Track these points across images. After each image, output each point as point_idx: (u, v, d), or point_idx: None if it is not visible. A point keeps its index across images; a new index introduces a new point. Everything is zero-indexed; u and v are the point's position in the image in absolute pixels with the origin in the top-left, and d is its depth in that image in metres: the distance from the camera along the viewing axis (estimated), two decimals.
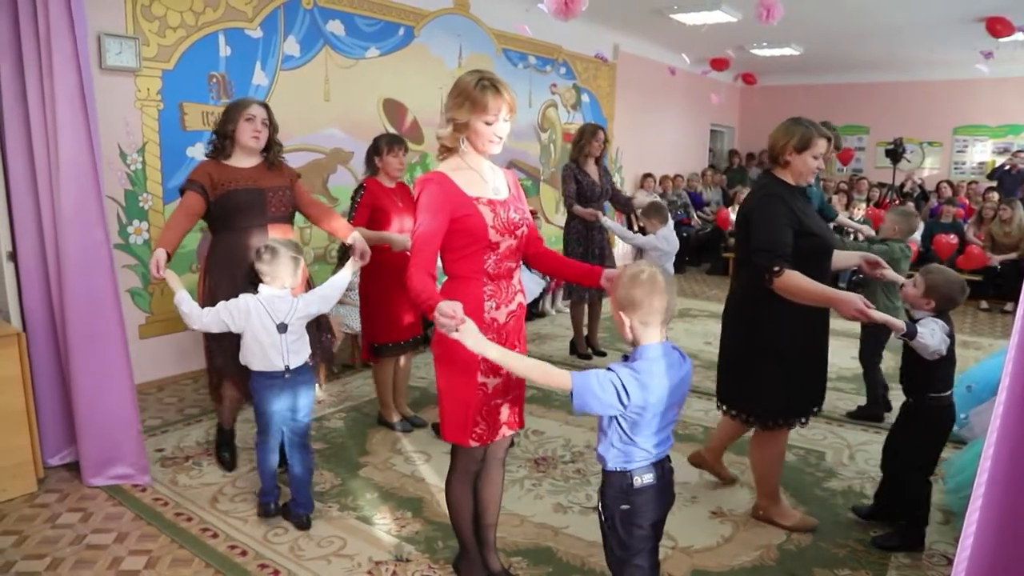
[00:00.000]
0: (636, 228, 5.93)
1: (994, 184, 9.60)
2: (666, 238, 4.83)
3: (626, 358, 1.87)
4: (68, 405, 3.23)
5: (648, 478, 1.91)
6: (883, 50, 9.32)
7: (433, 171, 2.13)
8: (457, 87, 2.09)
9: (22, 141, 3.08)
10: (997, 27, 7.01)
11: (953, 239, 7.73)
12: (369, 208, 3.59)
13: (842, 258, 2.88)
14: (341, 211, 5.35)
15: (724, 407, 2.88)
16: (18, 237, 3.14)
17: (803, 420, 2.77)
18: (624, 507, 1.90)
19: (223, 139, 3.00)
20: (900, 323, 2.40)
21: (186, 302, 2.68)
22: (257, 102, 3.04)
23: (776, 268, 2.44)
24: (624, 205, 5.44)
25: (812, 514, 2.97)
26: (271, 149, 3.08)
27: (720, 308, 2.81)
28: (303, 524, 2.83)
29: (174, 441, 3.68)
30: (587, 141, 4.95)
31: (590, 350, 5.38)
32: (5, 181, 3.10)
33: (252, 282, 2.77)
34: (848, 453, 3.61)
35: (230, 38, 4.78)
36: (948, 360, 2.57)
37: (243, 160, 3.03)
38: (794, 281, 2.42)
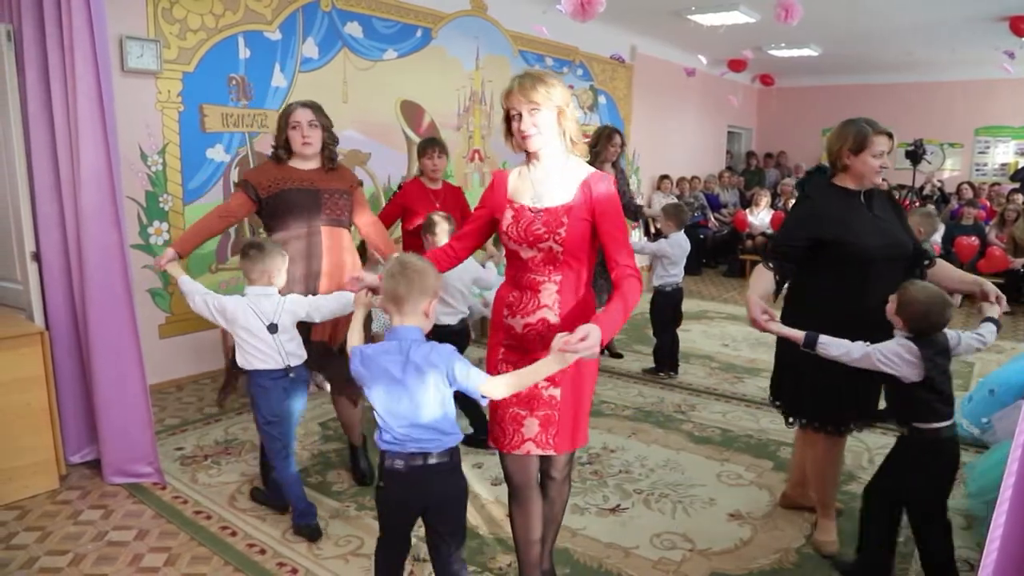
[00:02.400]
0: (653, 230, 5.88)
1: (1017, 185, 9.48)
2: (678, 244, 4.80)
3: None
4: (89, 403, 3.26)
5: (397, 463, 1.91)
6: (903, 50, 9.23)
7: (504, 169, 2.21)
8: None
9: (46, 143, 3.13)
10: (1021, 26, 6.92)
11: (974, 241, 7.64)
12: (399, 206, 3.84)
13: (947, 279, 2.60)
14: None
15: (773, 399, 2.83)
16: (42, 237, 3.18)
17: (830, 428, 2.63)
18: (379, 484, 1.97)
19: (279, 148, 2.99)
20: (797, 334, 2.34)
21: (187, 282, 2.77)
22: (302, 104, 2.97)
23: (766, 260, 2.59)
24: (634, 213, 5.32)
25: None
26: (326, 148, 3.02)
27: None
28: (316, 534, 2.77)
29: (193, 440, 3.71)
30: (603, 146, 4.85)
31: (606, 351, 5.37)
32: (30, 183, 3.15)
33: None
34: (867, 456, 3.58)
35: (249, 40, 4.82)
36: (927, 386, 2.24)
37: (301, 164, 3.00)
38: (754, 274, 2.61)
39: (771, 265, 2.59)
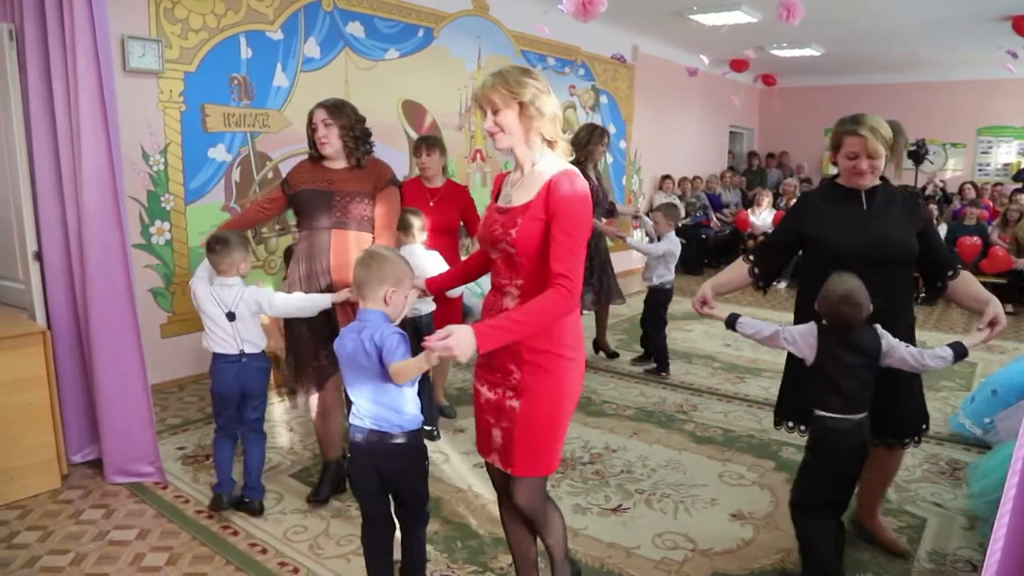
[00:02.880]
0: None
1: (1019, 186, 9.46)
2: (672, 240, 4.86)
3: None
4: (91, 403, 3.27)
5: (358, 436, 2.08)
6: (905, 50, 9.22)
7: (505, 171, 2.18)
8: None
9: (48, 143, 3.13)
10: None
11: (977, 242, 7.62)
12: None
13: (963, 294, 2.48)
14: None
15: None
16: (43, 237, 3.18)
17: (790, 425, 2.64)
18: (347, 455, 2.20)
19: (310, 148, 3.02)
20: (721, 315, 2.51)
21: (202, 267, 2.90)
22: (319, 104, 2.96)
23: (744, 254, 2.68)
24: (607, 211, 5.22)
25: None
26: (347, 147, 2.98)
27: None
28: (257, 511, 2.94)
29: (195, 439, 3.71)
30: (595, 144, 4.72)
31: (601, 352, 5.35)
32: (32, 182, 3.16)
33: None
34: None
35: (251, 40, 4.82)
36: (819, 373, 2.30)
37: (331, 163, 3.01)
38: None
39: (750, 257, 2.65)
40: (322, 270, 2.95)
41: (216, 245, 2.78)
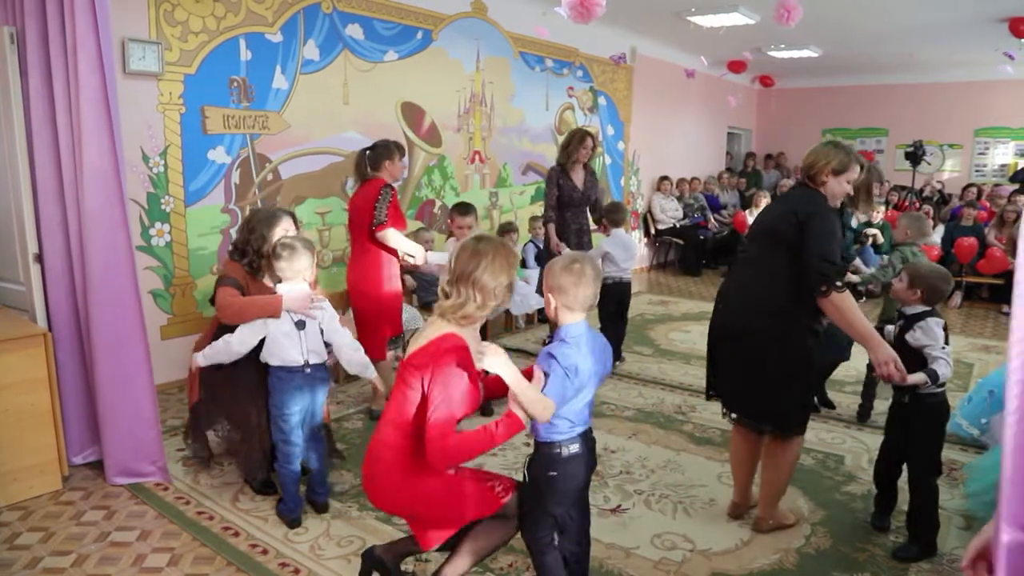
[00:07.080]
0: (654, 231, 5.89)
1: (1017, 187, 9.48)
2: (622, 242, 4.86)
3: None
4: (92, 404, 3.27)
5: (574, 448, 2.08)
6: (903, 51, 9.23)
7: None
8: None
9: (49, 146, 3.14)
10: (1021, 27, 6.93)
11: (974, 242, 7.64)
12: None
13: None
14: None
15: (735, 416, 2.81)
16: (44, 239, 3.19)
17: None
18: (551, 474, 2.08)
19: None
20: (923, 377, 2.56)
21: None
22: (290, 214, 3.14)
23: (839, 284, 2.49)
24: (600, 216, 5.25)
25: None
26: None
27: None
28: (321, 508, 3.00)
29: None
30: (574, 148, 4.91)
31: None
32: (32, 184, 3.16)
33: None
34: (868, 457, 3.59)
35: (251, 43, 4.83)
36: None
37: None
38: (847, 302, 2.48)
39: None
40: None
41: (282, 252, 2.78)
